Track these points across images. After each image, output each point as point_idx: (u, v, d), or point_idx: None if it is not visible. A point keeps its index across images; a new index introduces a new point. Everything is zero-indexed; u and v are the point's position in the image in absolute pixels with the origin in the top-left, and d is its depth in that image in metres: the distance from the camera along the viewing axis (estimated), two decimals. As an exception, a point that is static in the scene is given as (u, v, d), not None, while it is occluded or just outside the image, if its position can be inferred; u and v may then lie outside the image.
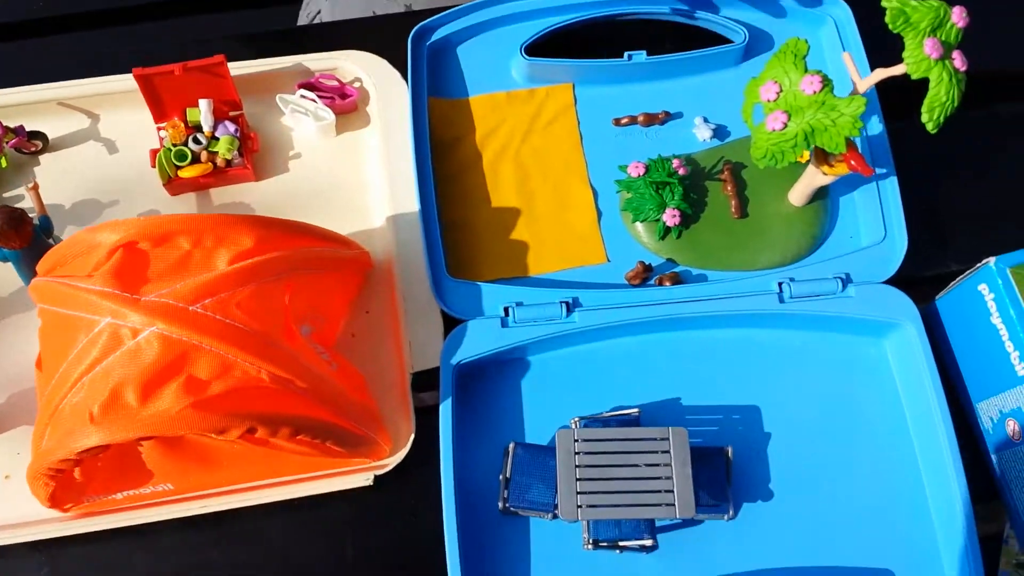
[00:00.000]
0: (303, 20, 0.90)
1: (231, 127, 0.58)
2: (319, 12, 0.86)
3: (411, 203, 0.57)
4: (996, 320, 0.50)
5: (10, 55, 0.75)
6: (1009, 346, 0.49)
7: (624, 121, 0.61)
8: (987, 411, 0.53)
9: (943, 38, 0.43)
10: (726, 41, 0.62)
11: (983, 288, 0.51)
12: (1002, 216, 0.60)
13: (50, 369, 0.45)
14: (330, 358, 0.49)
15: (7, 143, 0.58)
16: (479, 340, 0.53)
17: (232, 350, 0.42)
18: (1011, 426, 0.50)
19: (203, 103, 0.56)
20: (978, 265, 0.51)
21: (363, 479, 0.51)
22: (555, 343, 0.55)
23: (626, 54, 0.60)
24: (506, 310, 0.54)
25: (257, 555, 0.52)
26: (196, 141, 0.57)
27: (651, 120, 0.60)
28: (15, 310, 0.56)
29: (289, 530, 0.52)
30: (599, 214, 0.59)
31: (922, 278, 0.57)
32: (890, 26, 0.43)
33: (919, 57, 0.43)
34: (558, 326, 0.54)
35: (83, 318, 0.44)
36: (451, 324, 0.54)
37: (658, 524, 0.52)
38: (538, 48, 0.60)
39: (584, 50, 0.61)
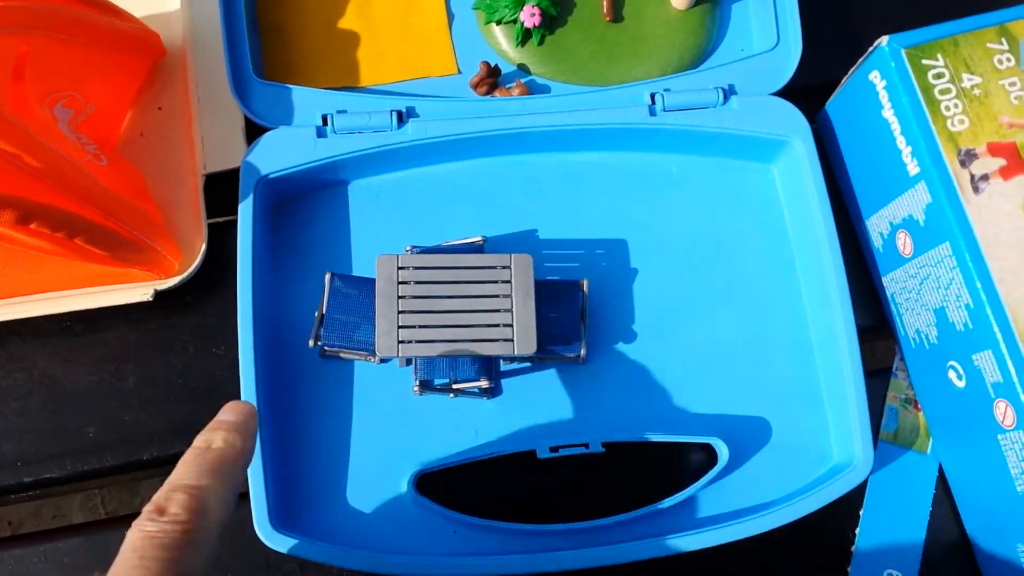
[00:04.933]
0: None
1: None
2: None
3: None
4: (888, 113, 0.43)
5: None
6: (901, 141, 0.42)
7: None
8: (877, 226, 0.46)
9: None
10: None
11: (874, 76, 0.43)
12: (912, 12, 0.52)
13: None
14: (98, 151, 0.40)
15: None
16: (290, 151, 0.44)
17: (-72, 108, 0.33)
18: (901, 239, 0.44)
19: None
20: (870, 48, 0.43)
21: (142, 293, 0.43)
22: (385, 161, 0.46)
23: None
24: (324, 119, 0.45)
25: (21, 380, 0.44)
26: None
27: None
28: None
29: (60, 353, 0.45)
30: (451, 16, 0.50)
31: (816, 86, 0.49)
32: None
33: None
34: (387, 138, 0.45)
35: None
36: (258, 135, 0.45)
37: (502, 369, 0.45)
38: None
39: None
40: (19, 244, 0.38)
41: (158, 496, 0.29)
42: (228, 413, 0.33)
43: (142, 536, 0.28)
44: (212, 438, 0.32)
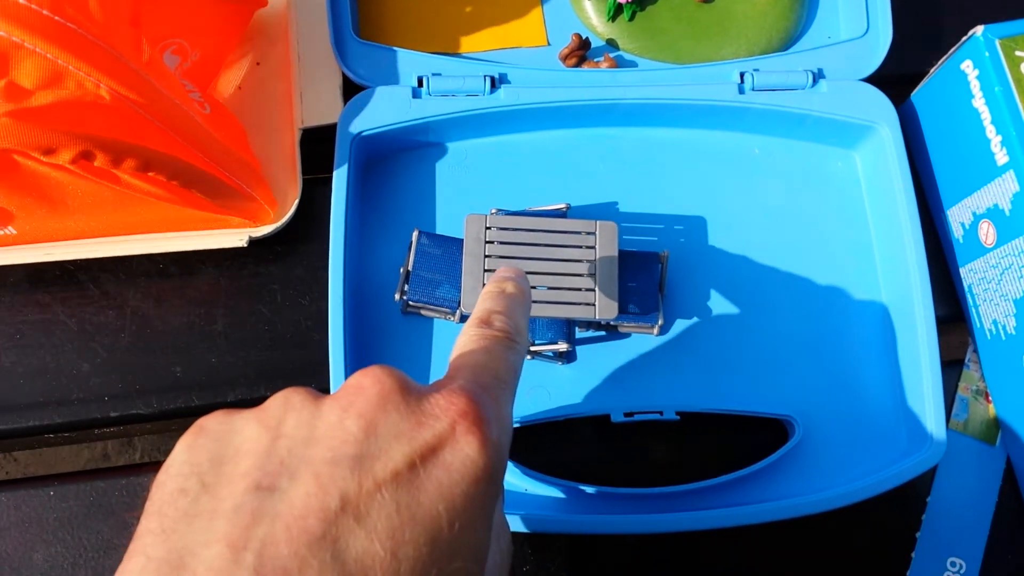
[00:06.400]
0: None
1: None
2: None
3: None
4: (979, 103, 0.43)
5: None
6: (991, 131, 0.42)
7: None
8: (958, 216, 0.46)
9: None
10: None
11: (966, 66, 0.43)
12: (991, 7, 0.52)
13: None
14: (202, 99, 0.42)
15: None
16: (385, 110, 0.46)
17: (63, 55, 0.34)
18: (984, 229, 0.44)
19: None
20: (963, 39, 0.43)
21: (237, 239, 0.44)
22: (475, 125, 0.47)
23: None
24: (420, 80, 0.46)
25: (112, 317, 0.46)
26: None
27: None
28: None
29: (152, 293, 0.46)
30: (542, -11, 0.51)
31: (902, 76, 0.49)
32: None
33: None
34: (480, 102, 0.46)
35: None
36: (353, 93, 0.46)
37: (578, 336, 0.46)
38: None
39: None
40: (135, 189, 0.39)
41: (479, 314, 0.32)
42: (506, 272, 0.36)
43: (479, 333, 0.31)
44: (503, 285, 0.35)
